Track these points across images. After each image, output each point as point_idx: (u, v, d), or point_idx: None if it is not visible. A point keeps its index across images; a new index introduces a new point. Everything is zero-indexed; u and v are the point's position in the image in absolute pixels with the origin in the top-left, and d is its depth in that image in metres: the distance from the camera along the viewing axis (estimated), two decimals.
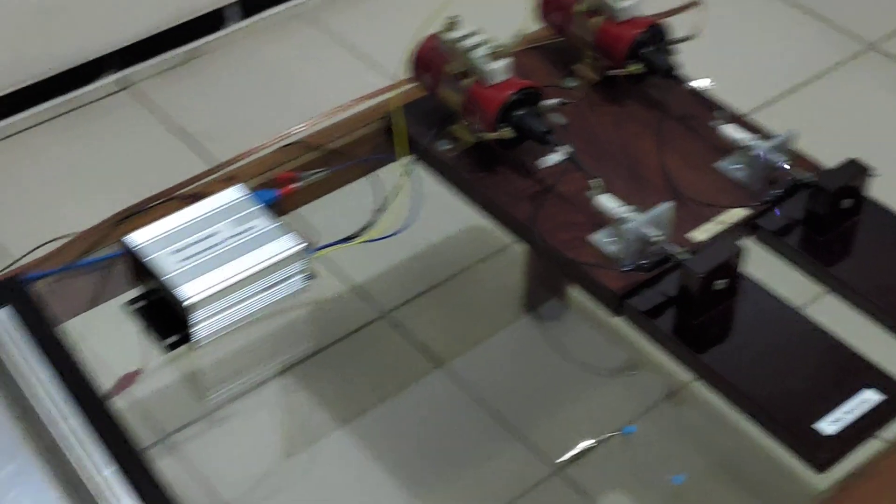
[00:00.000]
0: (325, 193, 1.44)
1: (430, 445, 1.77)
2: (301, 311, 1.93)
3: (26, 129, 2.26)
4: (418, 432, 1.78)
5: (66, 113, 2.28)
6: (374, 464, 1.73)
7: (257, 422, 1.80)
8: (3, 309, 1.09)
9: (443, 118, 1.42)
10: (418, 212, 1.37)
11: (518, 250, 1.95)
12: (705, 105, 1.46)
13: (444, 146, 1.42)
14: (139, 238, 1.22)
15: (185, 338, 1.20)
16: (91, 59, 2.30)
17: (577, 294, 1.87)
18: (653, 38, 1.45)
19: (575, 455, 1.72)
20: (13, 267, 1.29)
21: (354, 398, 1.83)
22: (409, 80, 1.46)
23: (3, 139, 2.23)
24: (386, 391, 1.83)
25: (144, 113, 2.29)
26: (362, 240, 1.36)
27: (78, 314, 1.27)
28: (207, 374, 1.86)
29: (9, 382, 1.02)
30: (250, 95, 2.34)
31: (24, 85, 2.24)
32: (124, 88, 2.35)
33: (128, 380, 1.30)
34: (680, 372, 1.32)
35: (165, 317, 1.21)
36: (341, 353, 1.89)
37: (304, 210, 1.41)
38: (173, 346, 1.21)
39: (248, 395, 1.83)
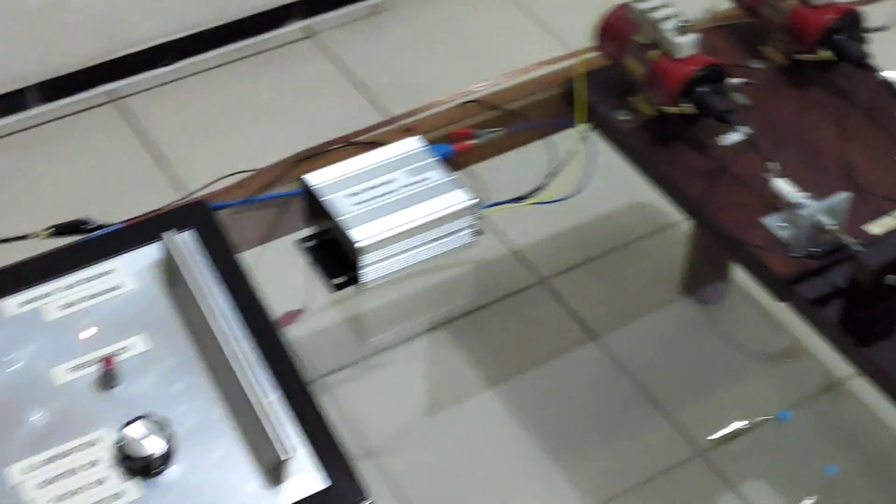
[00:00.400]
0: (499, 153, 1.45)
1: (576, 415, 1.77)
2: (461, 268, 1.96)
3: (216, 66, 2.32)
4: (566, 401, 1.79)
5: (254, 55, 2.35)
6: (517, 426, 1.74)
7: (408, 373, 1.84)
8: (188, 231, 1.12)
9: (624, 89, 1.42)
10: (589, 180, 1.37)
11: (683, 230, 1.94)
12: (895, 98, 1.42)
13: (622, 116, 1.42)
14: (317, 178, 1.25)
15: (352, 279, 1.23)
16: (280, 4, 2.35)
17: (739, 277, 1.85)
18: (846, 24, 1.42)
19: (724, 436, 1.71)
20: (196, 195, 1.34)
21: (505, 360, 1.84)
22: (592, 49, 1.46)
23: (194, 74, 2.31)
24: (537, 357, 1.84)
25: (326, 62, 2.34)
26: (532, 201, 1.36)
27: (253, 246, 1.32)
28: (365, 321, 1.90)
29: (188, 302, 1.06)
30: (428, 54, 2.36)
31: (216, 24, 2.31)
32: (309, 37, 2.40)
33: (290, 317, 1.34)
34: (840, 365, 1.29)
35: (334, 257, 1.23)
36: (497, 314, 1.91)
37: (477, 167, 1.43)
38: (340, 287, 1.23)
39: (402, 345, 1.86)
